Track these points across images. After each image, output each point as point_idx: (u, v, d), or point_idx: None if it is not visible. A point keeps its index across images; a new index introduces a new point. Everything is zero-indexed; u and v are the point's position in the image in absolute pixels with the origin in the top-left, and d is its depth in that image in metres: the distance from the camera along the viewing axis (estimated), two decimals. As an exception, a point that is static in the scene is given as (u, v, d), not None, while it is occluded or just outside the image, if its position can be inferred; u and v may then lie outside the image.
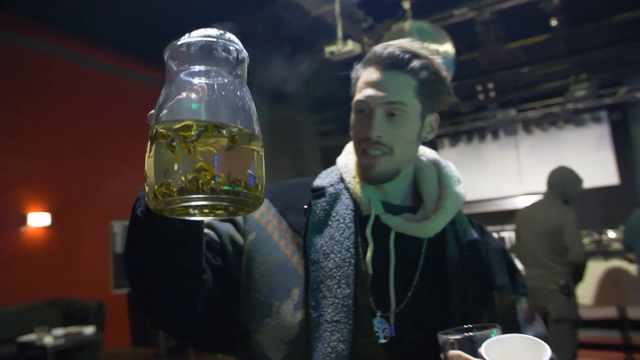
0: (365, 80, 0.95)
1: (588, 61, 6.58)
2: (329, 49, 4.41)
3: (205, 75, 0.60)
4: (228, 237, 0.95)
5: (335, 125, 8.67)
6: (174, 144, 0.56)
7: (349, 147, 1.06)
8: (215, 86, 0.61)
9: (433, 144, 9.37)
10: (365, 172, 0.96)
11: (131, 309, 6.20)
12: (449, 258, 0.95)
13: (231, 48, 0.63)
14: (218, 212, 0.61)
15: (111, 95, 6.35)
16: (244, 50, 0.65)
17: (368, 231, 0.93)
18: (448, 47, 4.19)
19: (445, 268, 0.94)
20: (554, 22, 5.35)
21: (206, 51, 0.61)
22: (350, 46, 4.30)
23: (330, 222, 0.94)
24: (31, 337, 4.48)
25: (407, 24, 4.23)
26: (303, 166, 8.76)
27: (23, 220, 5.35)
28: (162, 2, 5.08)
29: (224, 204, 0.57)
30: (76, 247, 5.87)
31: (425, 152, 1.09)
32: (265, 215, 0.97)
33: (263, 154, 0.64)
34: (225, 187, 0.56)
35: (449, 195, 0.99)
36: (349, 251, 0.90)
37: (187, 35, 0.62)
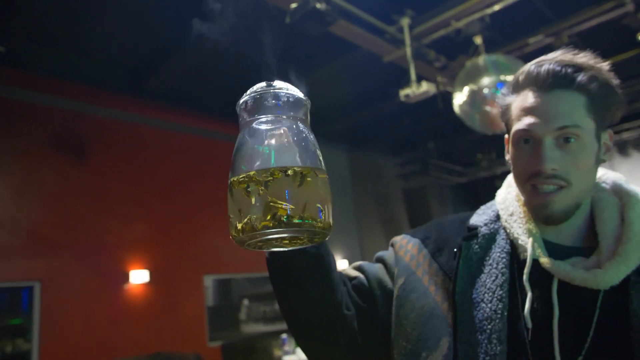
0: (523, 107, 0.82)
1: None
2: (403, 92, 4.44)
3: (271, 123, 0.69)
4: (376, 280, 0.92)
5: (416, 166, 8.58)
6: (249, 189, 0.64)
7: (509, 180, 0.96)
8: (281, 131, 0.69)
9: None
10: (539, 212, 0.82)
11: (226, 361, 6.30)
12: (633, 318, 0.74)
13: (288, 96, 0.71)
14: (295, 242, 0.69)
15: (200, 156, 6.74)
16: (302, 96, 0.72)
17: (525, 277, 0.80)
18: (527, 77, 4.06)
19: (628, 330, 0.74)
20: (641, 38, 5.03)
21: (268, 101, 0.70)
22: (425, 87, 4.30)
23: (482, 267, 0.84)
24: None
25: (482, 59, 4.18)
26: (387, 209, 8.69)
27: (125, 278, 5.70)
28: (242, 65, 5.40)
29: (296, 235, 0.65)
30: (173, 301, 6.13)
31: (606, 176, 0.90)
32: (415, 258, 0.92)
33: (327, 184, 0.70)
34: (296, 220, 0.63)
35: (634, 236, 0.78)
36: (501, 301, 0.79)
37: (255, 88, 0.71)
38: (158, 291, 5.98)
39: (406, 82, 4.58)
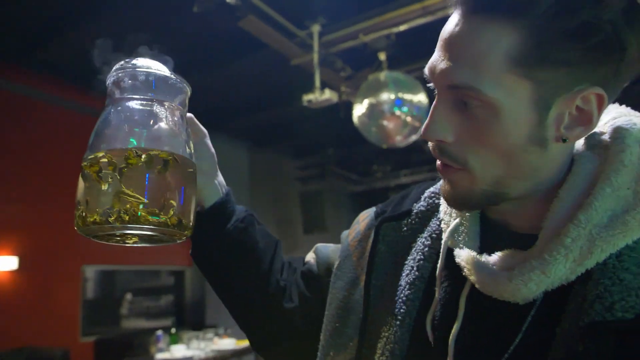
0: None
1: None
2: (306, 97, 4.50)
3: (144, 104, 0.63)
4: (326, 265, 0.83)
5: (315, 170, 8.73)
6: (101, 173, 0.58)
7: None
8: (153, 114, 0.63)
9: (411, 190, 9.50)
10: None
11: (98, 357, 5.94)
12: (556, 345, 0.51)
13: (170, 80, 0.65)
14: (150, 239, 0.63)
15: (84, 135, 6.31)
16: (184, 83, 0.67)
17: (438, 273, 0.64)
18: (422, 97, 4.31)
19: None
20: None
21: (148, 81, 0.64)
22: (328, 95, 4.40)
23: (399, 256, 0.69)
24: (-11, 389, 4.24)
25: (383, 75, 4.37)
26: (283, 210, 8.74)
27: (-12, 264, 5.18)
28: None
29: (149, 233, 0.58)
30: (45, 292, 5.66)
31: (615, 119, 0.59)
32: (359, 236, 0.77)
33: (194, 179, 0.65)
34: (150, 217, 0.57)
35: (586, 225, 0.51)
36: (405, 304, 0.64)
37: (131, 63, 0.65)
38: (28, 280, 5.49)
39: (310, 88, 4.65)
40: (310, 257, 0.88)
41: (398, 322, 0.63)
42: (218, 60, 5.46)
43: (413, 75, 4.84)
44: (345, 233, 0.84)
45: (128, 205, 0.56)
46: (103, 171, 0.58)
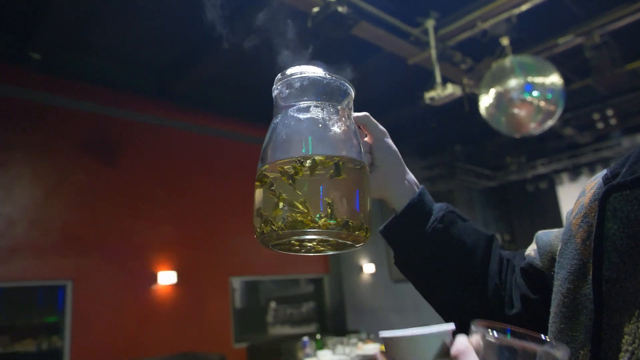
0: None
1: None
2: (428, 94, 4.39)
3: (311, 111, 0.62)
4: (549, 255, 0.66)
5: (443, 169, 8.47)
6: (275, 182, 0.58)
7: None
8: (322, 120, 0.62)
9: (550, 180, 8.74)
10: None
11: (251, 363, 6.34)
12: None
13: (337, 83, 0.64)
14: (325, 247, 0.62)
15: (226, 159, 6.83)
16: (350, 85, 0.65)
17: None
18: (555, 79, 3.97)
19: None
20: (678, 37, 4.86)
21: (313, 87, 0.63)
22: (450, 89, 4.25)
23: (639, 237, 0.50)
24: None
25: (508, 60, 4.10)
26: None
27: (154, 278, 5.82)
28: (263, 70, 5.44)
29: (326, 238, 0.57)
30: (199, 302, 6.21)
31: None
32: (584, 210, 0.58)
33: (368, 178, 0.63)
34: (328, 221, 0.55)
35: None
36: None
37: (294, 70, 0.64)
38: (185, 292, 6.07)
39: (431, 85, 4.53)
40: (530, 249, 0.72)
41: None
42: (333, 68, 5.57)
43: (542, 56, 4.49)
44: (570, 210, 0.64)
45: (298, 214, 0.55)
46: (274, 182, 0.58)
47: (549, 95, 3.84)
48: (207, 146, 6.75)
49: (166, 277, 5.84)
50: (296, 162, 0.58)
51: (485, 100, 4.14)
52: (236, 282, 6.72)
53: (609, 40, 4.83)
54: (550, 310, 0.59)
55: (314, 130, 0.61)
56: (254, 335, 7.02)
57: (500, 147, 7.98)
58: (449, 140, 7.96)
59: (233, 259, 6.56)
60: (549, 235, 0.70)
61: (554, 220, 8.68)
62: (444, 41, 4.79)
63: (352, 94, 0.67)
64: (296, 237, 0.57)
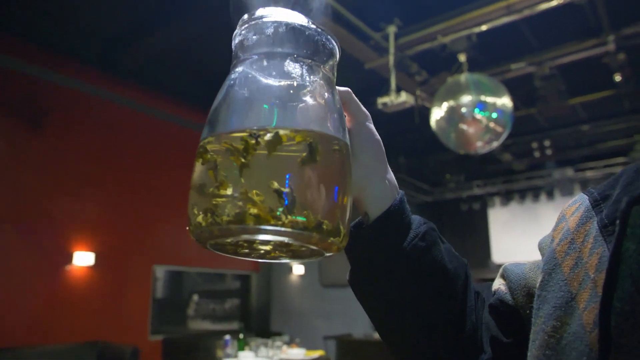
0: None
1: (656, 120, 6.23)
2: (381, 99, 4.34)
3: (283, 67, 0.46)
4: (524, 290, 0.57)
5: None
6: (216, 163, 0.43)
7: None
8: (295, 81, 0.45)
9: (483, 202, 9.04)
10: None
11: (165, 357, 6.04)
12: None
13: (322, 38, 0.47)
14: (282, 253, 0.47)
15: (167, 143, 6.49)
16: (336, 43, 0.49)
17: None
18: (506, 101, 4.04)
19: None
20: (618, 78, 5.11)
21: (290, 36, 0.46)
22: (404, 97, 4.22)
23: None
24: (64, 380, 4.38)
25: (464, 77, 4.13)
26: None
27: (69, 258, 5.39)
28: (222, 53, 5.21)
29: (292, 241, 0.41)
30: (117, 289, 5.84)
31: None
32: (570, 236, 0.51)
33: (350, 166, 0.47)
34: (298, 218, 0.40)
35: None
36: None
37: (266, 11, 0.48)
38: (103, 276, 5.68)
39: (385, 91, 4.49)
40: (498, 283, 0.62)
41: None
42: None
43: (496, 79, 4.56)
44: (545, 238, 0.57)
45: (249, 205, 0.40)
46: (219, 160, 0.43)
47: (498, 116, 3.90)
48: (146, 126, 6.38)
49: (83, 258, 5.42)
50: (251, 135, 0.42)
51: (437, 113, 4.15)
52: (160, 271, 6.38)
53: (557, 74, 5.01)
54: (529, 354, 0.49)
55: (282, 93, 0.45)
56: (172, 328, 6.70)
57: (442, 164, 8.14)
58: (393, 151, 8.02)
59: (159, 247, 6.23)
60: (521, 268, 0.60)
61: (483, 241, 8.97)
62: (403, 50, 4.77)
63: (338, 55, 0.51)
64: (247, 236, 0.41)
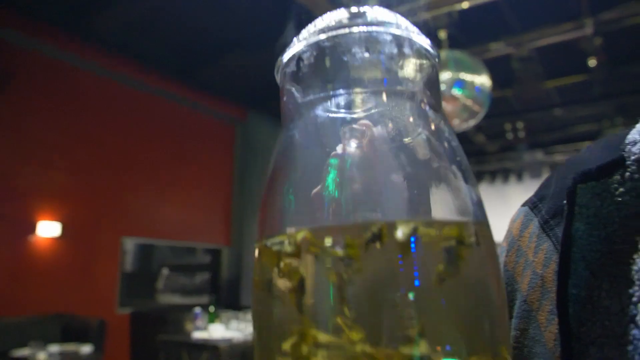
0: None
1: (626, 105, 6.36)
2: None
3: (369, 108, 0.29)
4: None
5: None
6: (291, 278, 0.26)
7: None
8: (391, 130, 0.29)
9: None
10: None
11: (133, 331, 5.96)
12: None
13: (417, 47, 0.31)
14: None
15: (138, 112, 6.28)
16: (428, 43, 0.33)
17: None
18: (485, 80, 4.03)
19: None
20: (592, 63, 5.17)
21: (357, 55, 0.29)
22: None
23: (616, 240, 0.39)
24: (25, 351, 4.27)
25: (444, 53, 4.09)
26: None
27: (32, 228, 5.21)
28: (195, 20, 5.03)
29: None
30: (84, 260, 5.70)
31: None
32: (515, 245, 0.50)
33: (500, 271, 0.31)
34: None
35: None
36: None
37: (314, 26, 0.31)
38: (69, 247, 5.53)
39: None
40: None
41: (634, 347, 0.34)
42: (260, 41, 5.30)
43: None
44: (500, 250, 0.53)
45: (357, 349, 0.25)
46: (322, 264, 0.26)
47: (476, 94, 3.89)
48: (116, 93, 6.15)
49: (48, 228, 5.25)
50: (376, 231, 0.26)
51: (416, 90, 4.11)
52: (129, 243, 6.25)
53: (535, 56, 5.04)
54: None
55: (386, 158, 0.29)
56: (141, 301, 6.60)
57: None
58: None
59: (128, 218, 6.09)
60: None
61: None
62: (383, 25, 4.70)
63: (437, 66, 0.35)
64: None
